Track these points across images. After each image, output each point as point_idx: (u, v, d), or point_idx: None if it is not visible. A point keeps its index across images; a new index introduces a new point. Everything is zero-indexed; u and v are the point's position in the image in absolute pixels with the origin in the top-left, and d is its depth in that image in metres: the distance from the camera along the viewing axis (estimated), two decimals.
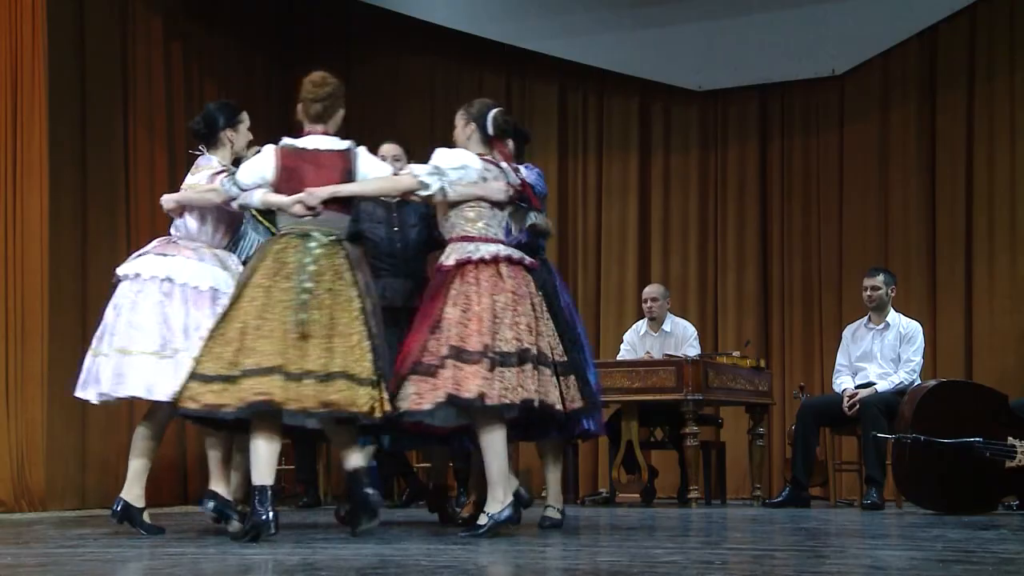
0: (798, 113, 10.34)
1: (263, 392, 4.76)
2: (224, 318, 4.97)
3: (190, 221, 5.52)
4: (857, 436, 8.28)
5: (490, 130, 5.30)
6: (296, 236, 5.04)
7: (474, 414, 5.01)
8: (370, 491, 5.05)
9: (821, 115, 10.27)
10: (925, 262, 9.73)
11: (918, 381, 7.99)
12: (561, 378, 5.15)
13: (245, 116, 5.73)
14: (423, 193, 5.17)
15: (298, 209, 5.04)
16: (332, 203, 5.08)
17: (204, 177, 5.46)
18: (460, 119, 5.39)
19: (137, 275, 5.45)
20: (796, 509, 7.91)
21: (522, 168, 5.55)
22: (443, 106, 10.39)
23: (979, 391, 7.46)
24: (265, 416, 4.87)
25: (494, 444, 5.00)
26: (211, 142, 5.59)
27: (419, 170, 5.19)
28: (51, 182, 8.01)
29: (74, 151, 8.46)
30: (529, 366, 4.97)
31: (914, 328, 8.26)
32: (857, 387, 8.16)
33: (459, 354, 4.91)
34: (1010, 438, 7.02)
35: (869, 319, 8.35)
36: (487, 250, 5.10)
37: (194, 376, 4.89)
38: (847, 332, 8.49)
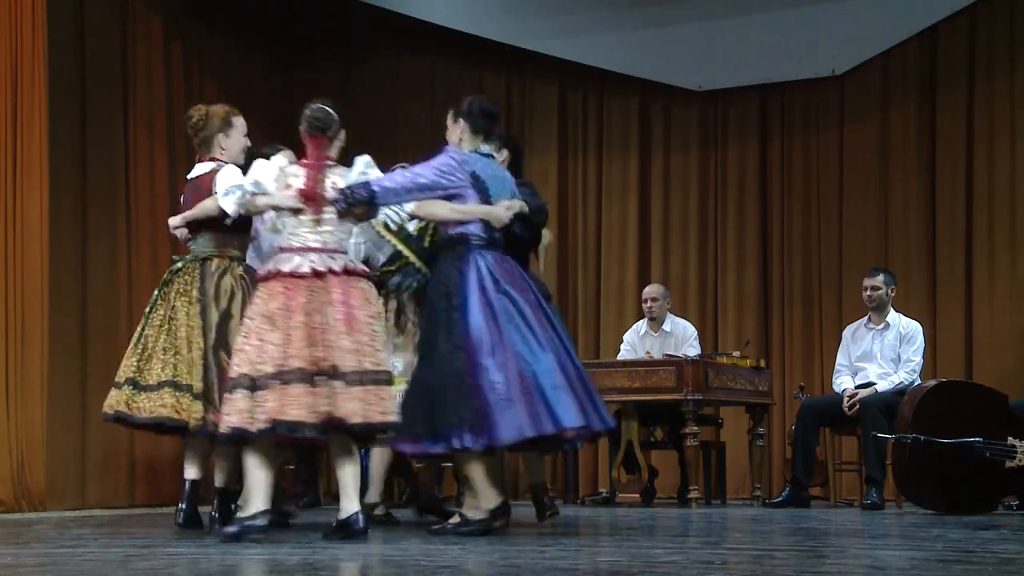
0: (798, 113, 10.34)
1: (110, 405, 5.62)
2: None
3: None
4: (857, 436, 8.29)
5: (305, 128, 5.26)
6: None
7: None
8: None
9: (821, 115, 10.26)
10: (925, 262, 9.72)
11: (918, 381, 7.99)
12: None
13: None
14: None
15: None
16: (197, 225, 5.69)
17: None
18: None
19: None
20: (796, 509, 7.91)
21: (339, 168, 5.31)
22: (443, 106, 10.32)
23: (979, 391, 7.46)
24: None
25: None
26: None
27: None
28: (51, 182, 8.01)
29: (74, 151, 8.45)
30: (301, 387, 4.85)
31: (914, 328, 8.26)
32: (857, 387, 8.16)
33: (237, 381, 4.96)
34: (1010, 438, 7.02)
35: (869, 319, 8.35)
36: (277, 262, 5.14)
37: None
38: (847, 332, 8.49)
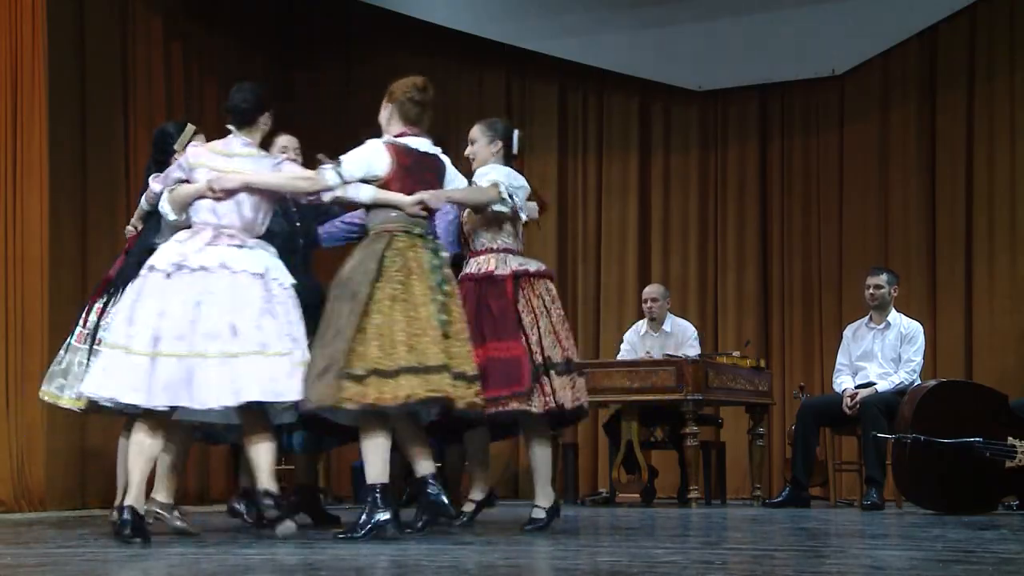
0: (798, 113, 10.35)
1: (436, 389, 4.80)
2: (359, 315, 4.85)
3: (246, 209, 5.10)
4: (857, 436, 8.28)
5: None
6: (412, 236, 5.04)
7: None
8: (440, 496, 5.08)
9: (821, 115, 10.27)
10: (925, 262, 9.73)
11: (918, 381, 7.99)
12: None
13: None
14: (499, 208, 5.39)
15: (417, 209, 5.06)
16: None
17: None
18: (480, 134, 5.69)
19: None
20: (796, 509, 7.91)
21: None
22: (442, 106, 10.36)
23: (979, 391, 7.46)
24: (382, 415, 4.87)
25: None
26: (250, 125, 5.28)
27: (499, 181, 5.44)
28: (51, 182, 8.01)
29: (74, 151, 8.46)
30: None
31: (915, 328, 8.25)
32: (857, 387, 8.16)
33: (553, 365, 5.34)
34: (1010, 438, 7.02)
35: (870, 319, 8.34)
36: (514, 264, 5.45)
37: (345, 376, 4.78)
38: (848, 331, 8.49)
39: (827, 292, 10.08)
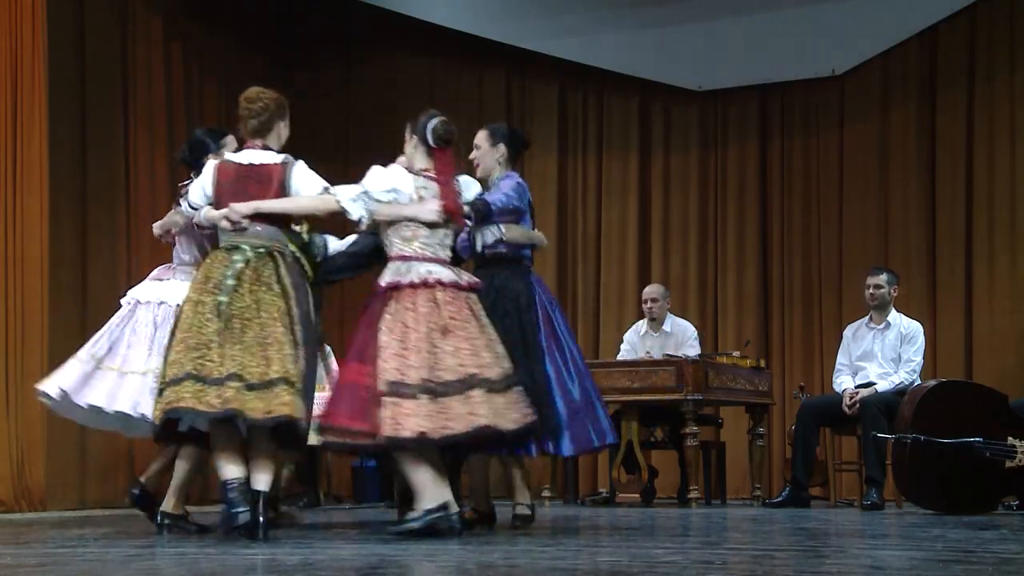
0: (798, 113, 10.35)
1: (173, 401, 4.85)
2: (172, 333, 5.12)
3: (179, 245, 5.85)
4: (857, 436, 8.28)
5: (431, 141, 5.21)
6: (224, 250, 5.12)
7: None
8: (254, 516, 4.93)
9: (821, 115, 10.27)
10: (925, 262, 9.73)
11: (918, 381, 7.99)
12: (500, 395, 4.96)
13: (231, 139, 5.75)
14: (351, 217, 5.12)
15: (225, 224, 5.10)
16: (261, 217, 5.09)
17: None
18: (407, 133, 5.34)
19: (137, 301, 5.83)
20: (796, 509, 7.91)
21: (461, 180, 5.38)
22: (443, 106, 10.26)
23: (979, 391, 7.46)
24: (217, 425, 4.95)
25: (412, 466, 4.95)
26: (198, 168, 5.51)
27: (346, 193, 5.11)
28: (51, 182, 8.01)
29: (74, 151, 8.46)
30: (478, 391, 4.87)
31: (915, 328, 8.25)
32: (857, 387, 8.16)
33: (398, 388, 4.81)
34: (1010, 438, 7.02)
35: (870, 318, 8.34)
36: (419, 271, 5.03)
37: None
38: (848, 331, 8.49)
39: (827, 292, 10.08)
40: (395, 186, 5.11)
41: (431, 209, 5.09)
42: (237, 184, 5.14)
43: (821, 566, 3.84)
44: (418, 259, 5.07)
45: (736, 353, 8.81)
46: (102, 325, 5.89)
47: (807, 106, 10.31)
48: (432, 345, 4.88)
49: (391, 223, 5.12)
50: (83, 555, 4.43)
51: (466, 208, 5.29)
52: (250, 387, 4.81)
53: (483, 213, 5.33)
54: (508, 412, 4.93)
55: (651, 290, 9.10)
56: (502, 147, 5.65)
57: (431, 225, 5.10)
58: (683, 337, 8.88)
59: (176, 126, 9.26)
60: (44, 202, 7.94)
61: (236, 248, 5.06)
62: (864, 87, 10.09)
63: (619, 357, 8.92)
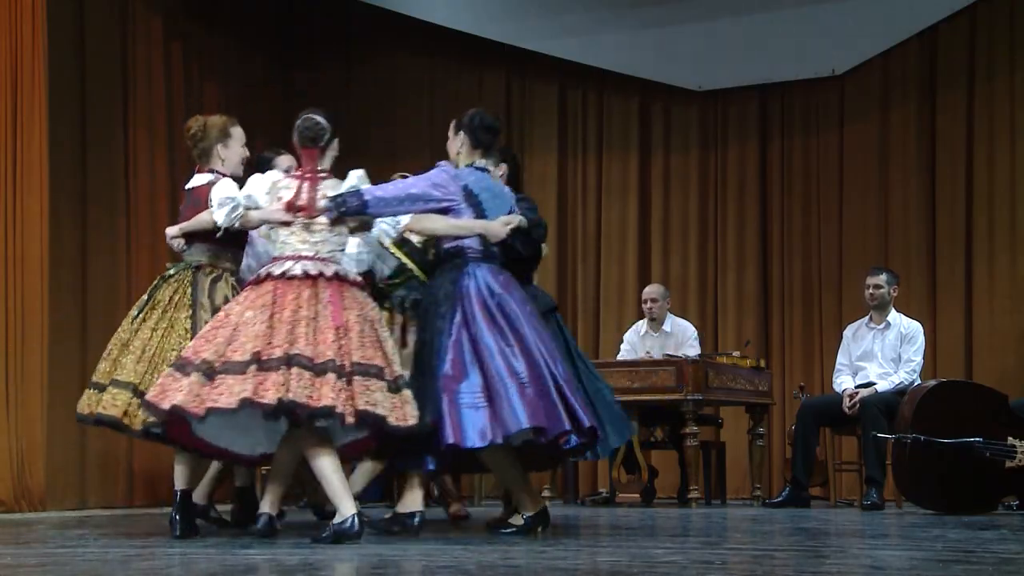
0: (798, 113, 10.34)
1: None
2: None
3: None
4: (857, 436, 8.29)
5: (294, 138, 5.28)
6: (184, 265, 5.61)
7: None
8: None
9: (821, 115, 10.27)
10: (925, 262, 9.73)
11: (918, 381, 7.99)
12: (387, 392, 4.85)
13: (281, 159, 5.90)
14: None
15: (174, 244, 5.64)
16: (192, 236, 5.54)
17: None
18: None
19: None
20: (796, 509, 7.92)
21: (354, 174, 5.31)
22: (442, 106, 10.40)
23: (979, 391, 7.47)
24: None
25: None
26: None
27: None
28: (51, 182, 8.00)
29: (74, 151, 8.45)
30: (295, 369, 4.72)
31: (915, 328, 8.26)
32: (857, 387, 8.16)
33: (183, 366, 4.87)
34: (1010, 438, 7.02)
35: (870, 318, 8.34)
36: (270, 269, 5.08)
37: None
38: (848, 331, 8.49)
39: (827, 292, 10.08)
40: (250, 192, 5.30)
41: (276, 210, 5.15)
42: (183, 208, 5.65)
43: (821, 566, 3.84)
44: (278, 259, 5.13)
45: (736, 353, 8.81)
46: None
47: (807, 106, 10.31)
48: (234, 330, 4.88)
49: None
50: (83, 555, 4.43)
51: (325, 202, 5.11)
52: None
53: (351, 205, 5.12)
54: (331, 394, 4.72)
55: (651, 290, 9.10)
56: (462, 135, 5.47)
57: (286, 224, 5.15)
58: (683, 337, 8.89)
59: (176, 126, 9.23)
60: (44, 202, 7.94)
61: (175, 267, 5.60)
62: (864, 87, 10.09)
63: (619, 357, 8.92)
